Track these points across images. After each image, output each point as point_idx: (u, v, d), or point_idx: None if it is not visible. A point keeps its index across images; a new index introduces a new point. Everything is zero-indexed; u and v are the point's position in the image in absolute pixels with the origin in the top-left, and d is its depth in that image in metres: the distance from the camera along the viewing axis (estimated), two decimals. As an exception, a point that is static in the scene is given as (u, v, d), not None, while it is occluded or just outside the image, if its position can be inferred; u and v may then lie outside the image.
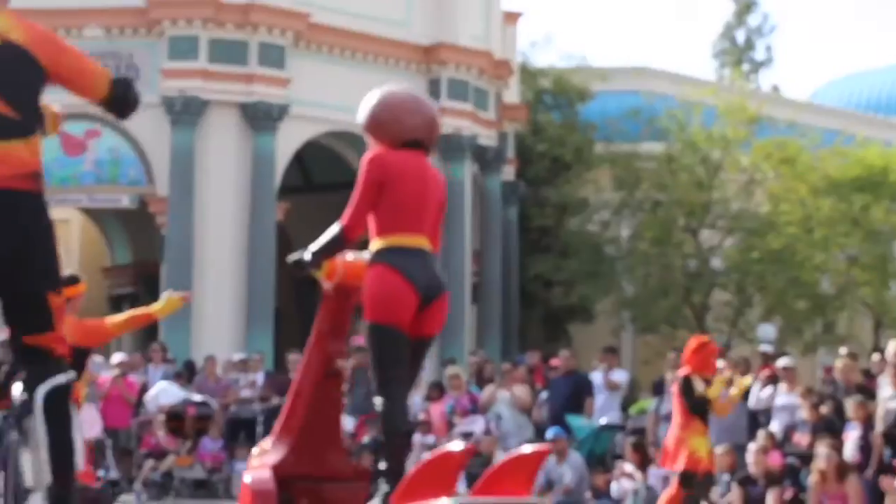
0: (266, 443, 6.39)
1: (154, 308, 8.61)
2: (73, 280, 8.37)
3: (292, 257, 6.01)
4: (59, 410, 4.73)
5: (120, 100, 4.99)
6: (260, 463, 6.24)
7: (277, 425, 6.33)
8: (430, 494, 5.47)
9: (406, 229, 5.79)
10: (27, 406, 4.74)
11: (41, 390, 4.71)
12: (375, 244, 5.83)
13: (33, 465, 4.74)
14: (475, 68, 23.58)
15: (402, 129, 5.89)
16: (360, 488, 6.23)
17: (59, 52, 4.83)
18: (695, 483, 10.90)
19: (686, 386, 10.91)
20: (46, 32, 4.86)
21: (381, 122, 5.93)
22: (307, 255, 5.92)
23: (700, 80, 28.90)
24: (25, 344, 4.78)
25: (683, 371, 11.05)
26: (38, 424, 4.69)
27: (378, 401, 5.75)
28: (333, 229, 5.87)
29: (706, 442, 11.01)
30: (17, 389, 4.88)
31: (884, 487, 12.70)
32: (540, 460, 5.87)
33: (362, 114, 5.99)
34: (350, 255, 6.06)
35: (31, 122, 4.76)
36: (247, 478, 6.22)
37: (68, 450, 4.74)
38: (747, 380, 12.20)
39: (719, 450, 13.99)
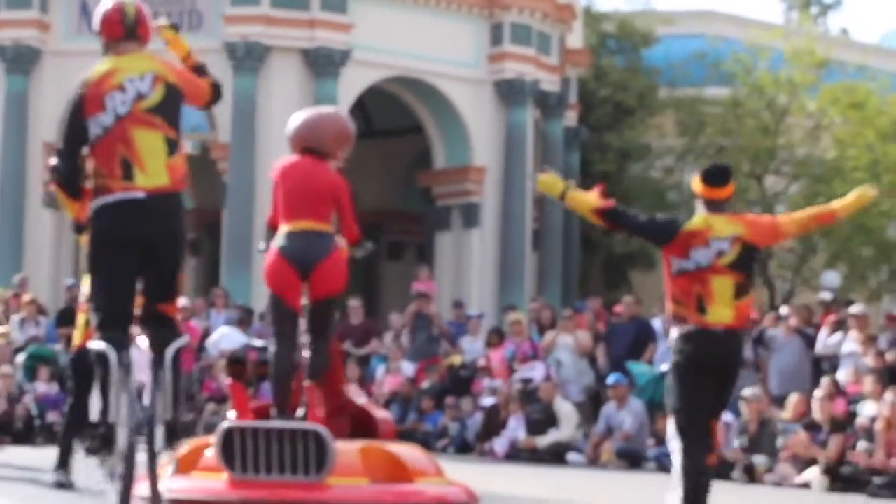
0: None
1: None
2: None
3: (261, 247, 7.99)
4: (177, 365, 6.24)
5: (215, 100, 6.71)
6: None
7: None
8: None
9: (291, 217, 7.59)
10: (158, 361, 6.19)
11: (171, 350, 6.20)
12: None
13: (160, 405, 6.15)
14: (538, 12, 23.36)
15: (297, 141, 7.91)
16: (340, 423, 7.79)
17: (191, 85, 6.56)
18: None
19: None
20: (182, 71, 6.61)
21: (289, 135, 7.94)
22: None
23: (767, 24, 28.46)
24: (157, 310, 6.28)
25: None
26: (167, 375, 6.16)
27: (270, 349, 7.72)
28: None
29: None
30: (142, 344, 6.42)
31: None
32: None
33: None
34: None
35: (180, 137, 6.41)
36: (230, 413, 8.27)
37: (180, 396, 6.28)
38: None
39: (793, 398, 13.90)
